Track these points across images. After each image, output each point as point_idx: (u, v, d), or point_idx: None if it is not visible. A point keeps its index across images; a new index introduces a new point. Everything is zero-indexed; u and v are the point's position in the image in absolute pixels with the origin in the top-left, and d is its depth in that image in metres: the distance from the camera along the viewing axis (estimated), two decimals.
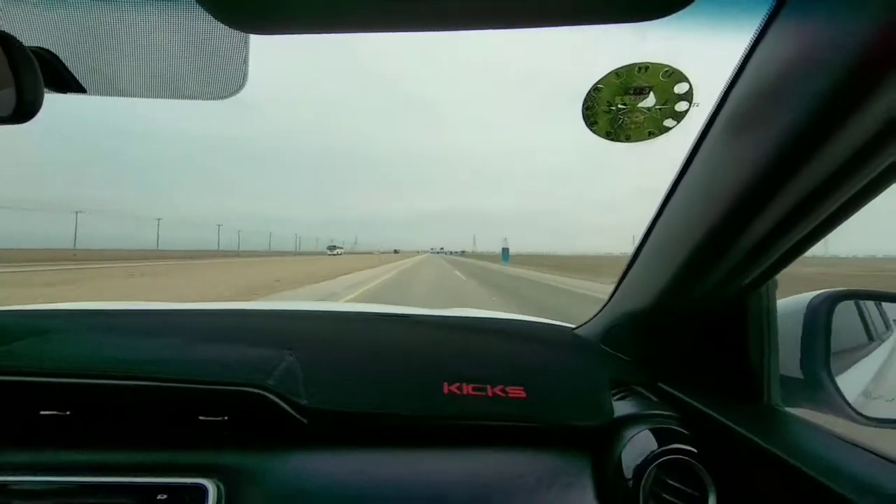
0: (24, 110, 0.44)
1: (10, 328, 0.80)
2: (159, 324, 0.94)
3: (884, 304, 0.80)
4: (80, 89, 0.54)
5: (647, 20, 0.39)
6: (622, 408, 0.70)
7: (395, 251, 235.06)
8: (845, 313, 0.72)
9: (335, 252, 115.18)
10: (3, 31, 0.44)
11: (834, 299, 0.67)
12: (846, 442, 0.53)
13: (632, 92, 0.53)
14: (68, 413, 0.63)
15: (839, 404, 0.63)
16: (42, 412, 0.63)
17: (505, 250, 54.37)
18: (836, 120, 0.39)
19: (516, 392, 0.70)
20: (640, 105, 0.54)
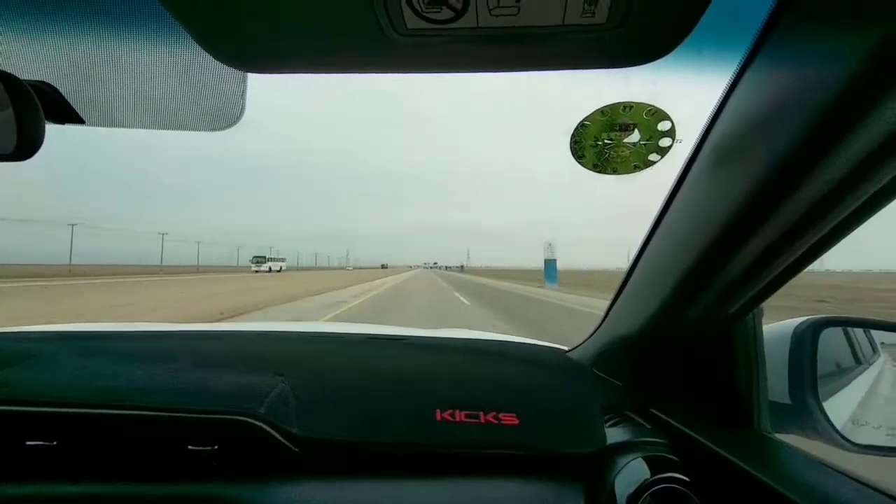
0: (25, 146, 0.45)
1: None
2: (148, 348, 0.93)
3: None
4: (79, 121, 0.55)
5: (630, 66, 0.41)
6: (614, 434, 0.70)
7: (383, 266, 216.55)
8: (833, 336, 0.73)
9: (264, 268, 72.24)
10: (3, 70, 0.45)
11: (819, 325, 0.68)
12: (834, 470, 0.53)
13: (617, 128, 0.55)
14: (55, 443, 0.62)
15: (827, 431, 0.64)
16: (28, 443, 0.62)
17: (551, 263, 26.55)
18: (813, 155, 0.41)
19: (509, 419, 0.70)
20: (626, 140, 0.56)
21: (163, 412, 0.63)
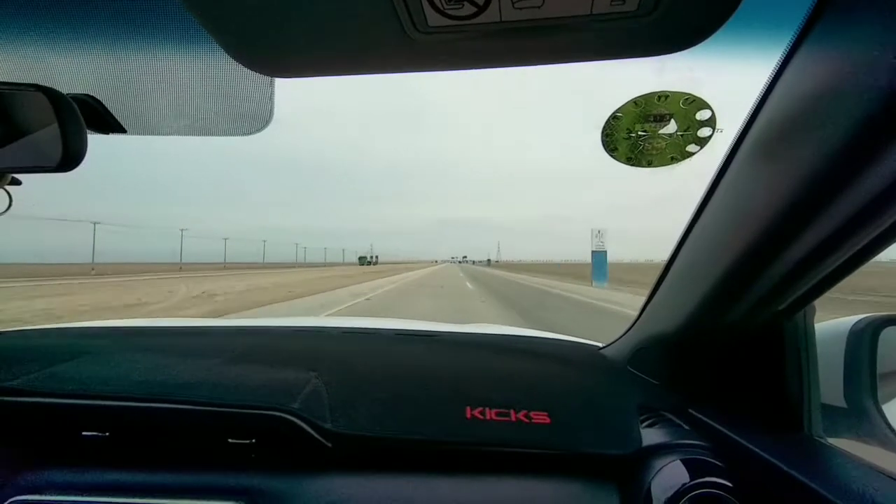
0: (70, 158, 0.47)
1: (50, 348, 0.85)
2: (189, 343, 0.98)
3: None
4: (120, 130, 0.58)
5: (665, 54, 0.38)
6: (651, 436, 0.68)
7: (365, 261, 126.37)
8: (894, 337, 0.68)
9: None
10: (47, 86, 0.47)
11: (879, 324, 0.63)
12: (894, 479, 0.49)
13: (652, 119, 0.52)
14: (107, 434, 0.66)
15: (887, 436, 0.60)
16: (84, 433, 0.66)
17: (599, 256, 20.60)
18: (870, 145, 0.38)
19: (540, 417, 0.69)
20: (661, 131, 0.53)
21: (205, 406, 0.67)
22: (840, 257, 0.48)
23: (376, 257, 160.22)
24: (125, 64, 0.54)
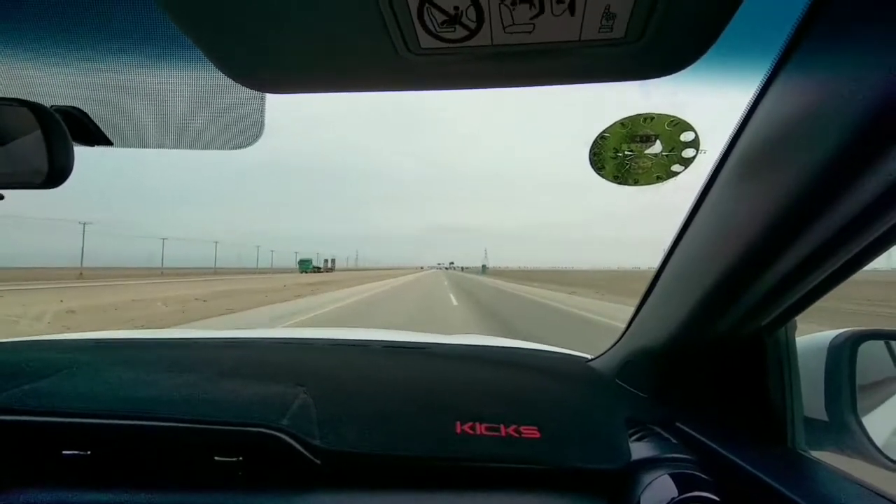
0: (56, 174, 0.46)
1: (29, 363, 0.82)
2: (175, 357, 0.96)
3: None
4: (106, 142, 0.57)
5: (651, 78, 0.39)
6: (639, 450, 0.68)
7: (309, 267, 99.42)
8: (873, 350, 0.70)
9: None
10: (31, 101, 0.46)
11: (857, 339, 0.65)
12: (874, 492, 0.50)
13: (638, 139, 0.54)
14: (89, 452, 0.64)
15: (867, 449, 0.61)
16: (64, 451, 0.64)
17: None
18: (846, 165, 0.39)
19: (530, 432, 0.69)
20: (647, 151, 0.54)
21: (191, 423, 0.65)
22: (820, 275, 0.50)
23: (332, 261, 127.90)
24: (112, 76, 0.53)
